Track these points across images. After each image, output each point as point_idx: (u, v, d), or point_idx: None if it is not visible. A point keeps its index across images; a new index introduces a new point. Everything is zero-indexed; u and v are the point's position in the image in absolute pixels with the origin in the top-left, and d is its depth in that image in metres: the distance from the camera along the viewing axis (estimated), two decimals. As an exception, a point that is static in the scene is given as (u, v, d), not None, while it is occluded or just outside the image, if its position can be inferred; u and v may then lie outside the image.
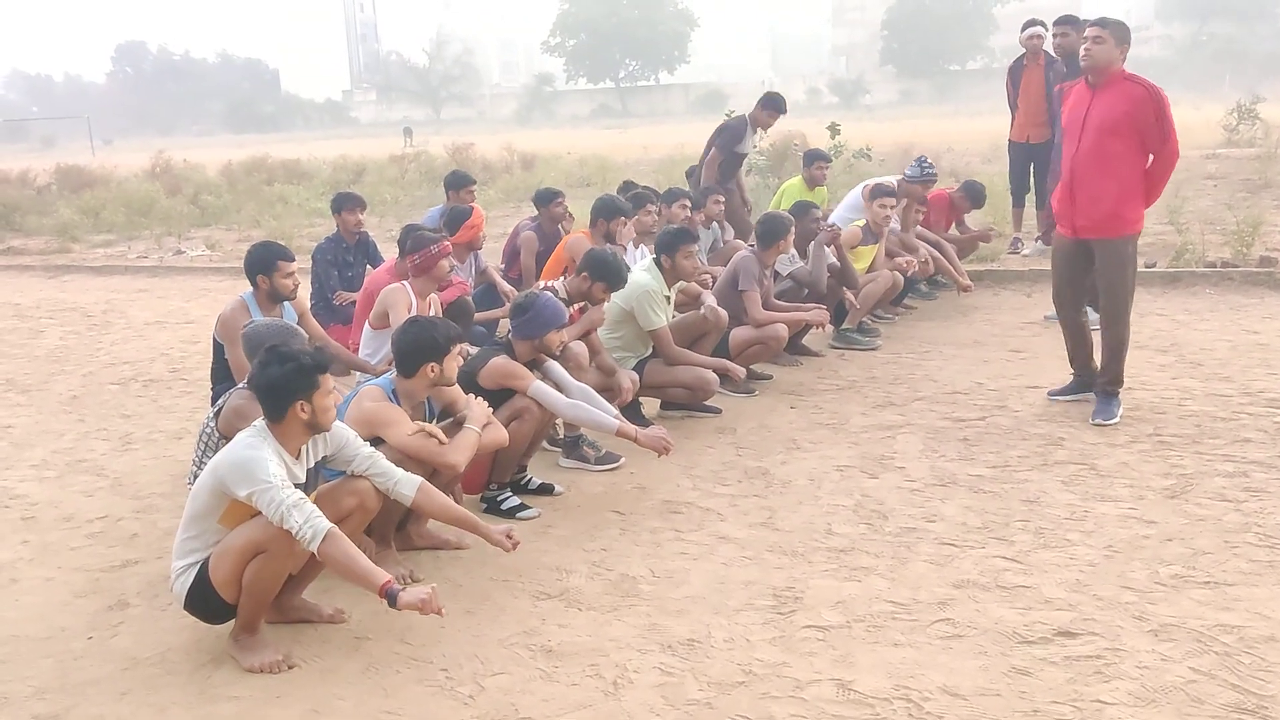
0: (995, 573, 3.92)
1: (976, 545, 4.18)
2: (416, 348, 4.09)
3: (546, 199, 8.04)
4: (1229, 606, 3.59)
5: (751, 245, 6.81)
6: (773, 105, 9.33)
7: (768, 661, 3.38)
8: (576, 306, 5.42)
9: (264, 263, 5.24)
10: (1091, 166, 5.44)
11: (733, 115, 10.10)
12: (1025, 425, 5.61)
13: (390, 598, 3.26)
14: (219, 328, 5.20)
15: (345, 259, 7.53)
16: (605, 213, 6.68)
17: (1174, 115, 5.35)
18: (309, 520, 3.27)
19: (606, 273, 5.35)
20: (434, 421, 4.35)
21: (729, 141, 9.32)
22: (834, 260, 7.37)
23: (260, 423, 3.47)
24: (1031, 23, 9.82)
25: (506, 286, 7.43)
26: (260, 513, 3.31)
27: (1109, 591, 3.73)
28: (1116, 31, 5.36)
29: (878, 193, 7.77)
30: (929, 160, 8.45)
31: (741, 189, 9.81)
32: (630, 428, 4.80)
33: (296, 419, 3.43)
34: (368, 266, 7.54)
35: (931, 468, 5.08)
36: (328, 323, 7.15)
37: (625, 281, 5.50)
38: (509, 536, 3.80)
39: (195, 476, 3.93)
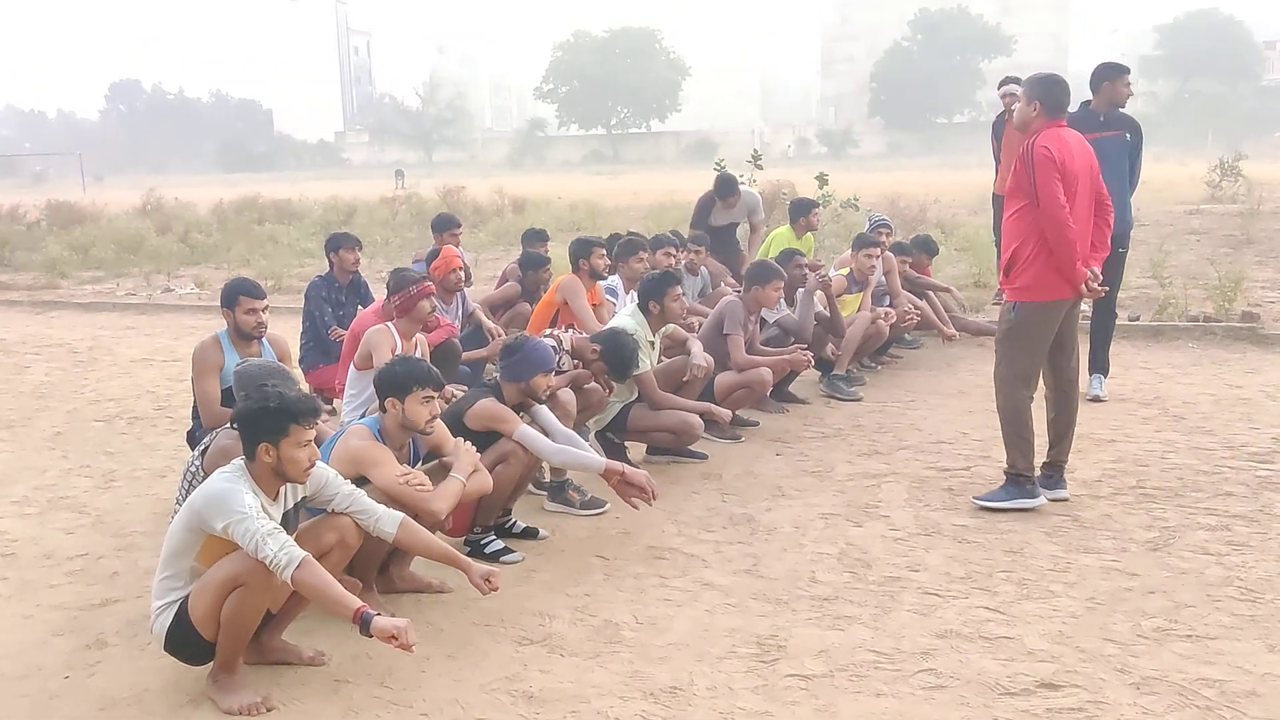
0: (978, 623, 3.92)
1: (960, 595, 4.18)
2: (381, 384, 4.15)
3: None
4: (1211, 660, 3.59)
5: (739, 290, 6.87)
6: (720, 192, 9.29)
7: (750, 710, 3.36)
8: (575, 361, 5.45)
9: (229, 296, 5.32)
10: (1002, 225, 5.20)
11: (721, 164, 10.13)
12: (1009, 475, 5.62)
13: (364, 623, 3.24)
14: (191, 359, 5.27)
15: (338, 298, 7.56)
16: (583, 251, 6.79)
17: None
18: (284, 548, 3.26)
19: (616, 361, 5.42)
20: (418, 464, 4.35)
21: (699, 216, 9.39)
22: (822, 309, 7.43)
23: (239, 461, 3.48)
24: (1006, 80, 10.02)
25: (492, 325, 7.45)
26: (238, 549, 3.30)
27: (1091, 644, 3.73)
28: (1028, 88, 5.03)
29: (860, 243, 7.93)
30: (876, 215, 8.78)
31: (734, 263, 9.24)
32: (617, 465, 4.80)
33: (263, 461, 3.44)
34: (359, 306, 7.55)
35: (916, 517, 5.09)
36: (319, 362, 7.20)
37: (626, 378, 5.59)
38: (488, 580, 3.77)
39: (178, 515, 3.92)
